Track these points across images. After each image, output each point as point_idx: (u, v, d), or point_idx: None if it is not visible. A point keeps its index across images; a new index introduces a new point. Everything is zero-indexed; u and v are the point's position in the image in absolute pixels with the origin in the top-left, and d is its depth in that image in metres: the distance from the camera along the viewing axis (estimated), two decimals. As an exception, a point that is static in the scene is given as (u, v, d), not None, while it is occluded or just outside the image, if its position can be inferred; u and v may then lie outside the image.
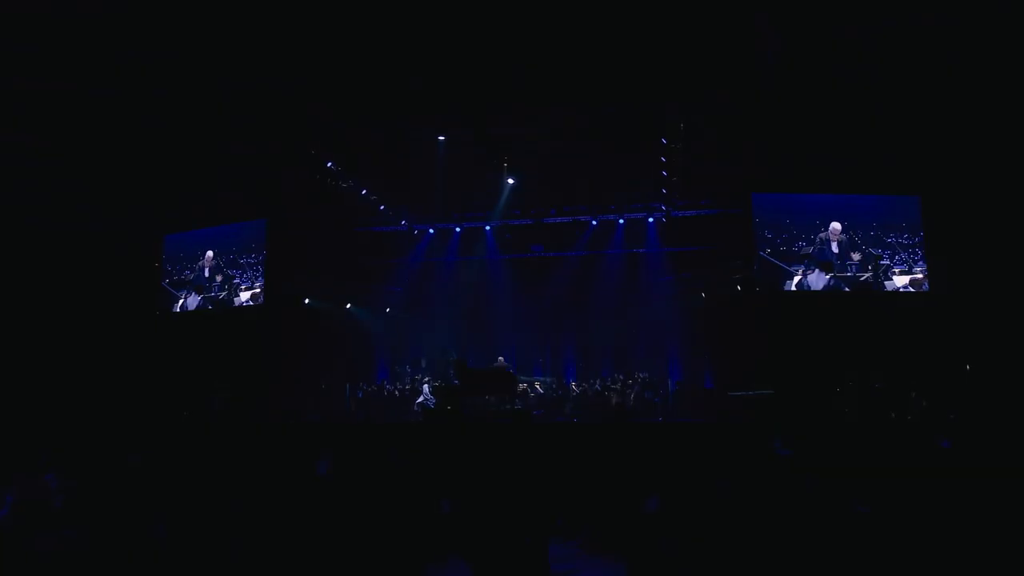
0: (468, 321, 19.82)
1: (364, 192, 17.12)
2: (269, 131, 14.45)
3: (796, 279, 15.00)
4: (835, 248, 15.07)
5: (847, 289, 14.83)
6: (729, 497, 3.05)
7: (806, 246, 15.16)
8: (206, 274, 18.73)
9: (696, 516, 2.77)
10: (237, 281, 18.18)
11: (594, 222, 18.65)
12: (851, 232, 15.07)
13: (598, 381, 17.72)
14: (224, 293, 18.33)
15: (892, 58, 11.43)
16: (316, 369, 18.39)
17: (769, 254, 15.20)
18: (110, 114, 13.48)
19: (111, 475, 4.08)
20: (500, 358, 17.54)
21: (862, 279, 14.77)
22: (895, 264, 14.80)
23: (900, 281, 14.78)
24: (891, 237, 14.96)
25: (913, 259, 14.89)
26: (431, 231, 19.76)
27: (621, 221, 18.61)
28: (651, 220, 18.50)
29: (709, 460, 4.36)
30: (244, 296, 18.04)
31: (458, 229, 19.60)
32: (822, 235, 15.20)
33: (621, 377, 17.66)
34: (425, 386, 17.55)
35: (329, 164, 15.37)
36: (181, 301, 18.93)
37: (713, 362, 17.69)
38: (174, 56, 11.66)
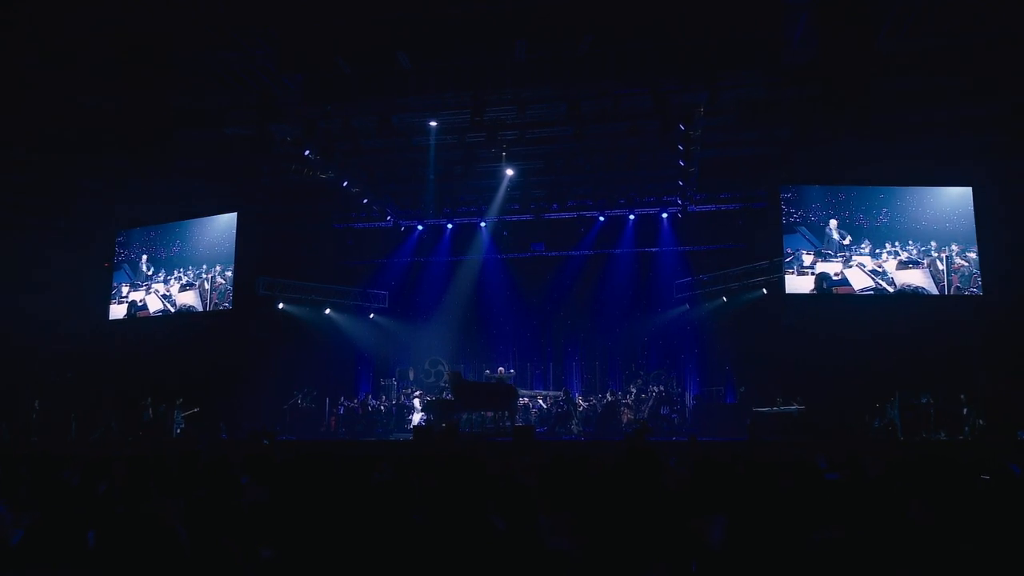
0: (461, 328, 19.68)
1: (345, 184, 16.89)
2: (235, 112, 14.24)
3: (835, 277, 14.90)
4: (835, 237, 15.06)
5: (890, 290, 14.68)
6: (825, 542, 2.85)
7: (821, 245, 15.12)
8: (163, 274, 18.55)
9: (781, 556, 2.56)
10: (198, 282, 17.98)
11: (601, 218, 18.54)
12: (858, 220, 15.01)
13: (608, 394, 17.51)
14: (186, 295, 18.14)
15: (940, 32, 11.24)
16: (290, 382, 18.20)
17: (799, 253, 15.08)
18: (48, 90, 13.24)
19: (62, 500, 3.83)
20: (500, 369, 17.33)
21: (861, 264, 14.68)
22: (909, 255, 14.70)
23: (909, 277, 14.69)
24: (915, 241, 14.88)
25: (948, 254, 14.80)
26: (420, 228, 19.60)
27: (632, 217, 18.49)
28: (665, 215, 18.37)
29: (767, 487, 4.15)
30: (203, 298, 17.84)
31: (450, 225, 19.45)
32: (827, 230, 15.18)
33: (634, 390, 17.47)
34: (415, 400, 17.30)
35: (306, 152, 15.12)
36: (129, 302, 18.75)
37: (735, 374, 17.50)
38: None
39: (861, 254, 15.09)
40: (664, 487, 4.19)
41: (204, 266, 18.04)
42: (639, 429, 12.26)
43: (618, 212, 18.47)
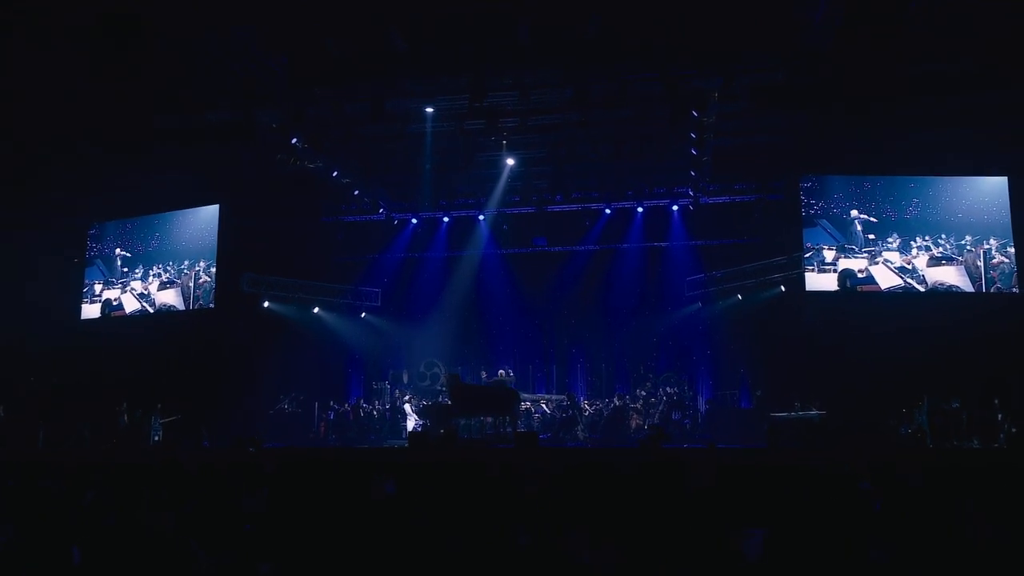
0: (458, 328, 19.61)
1: (335, 174, 16.83)
2: (216, 97, 14.16)
3: (860, 275, 14.84)
4: (860, 230, 14.98)
5: (921, 289, 14.63)
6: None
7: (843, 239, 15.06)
8: (140, 271, 18.47)
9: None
10: (180, 279, 17.91)
11: (608, 210, 18.49)
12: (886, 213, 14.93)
13: (615, 398, 17.47)
14: (166, 293, 18.06)
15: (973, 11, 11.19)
16: (276, 385, 18.14)
17: (820, 248, 15.02)
18: (15, 73, 13.14)
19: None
20: (501, 371, 17.27)
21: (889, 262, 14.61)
22: (942, 250, 14.61)
23: (942, 274, 14.61)
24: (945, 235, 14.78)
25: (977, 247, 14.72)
26: (414, 221, 19.55)
27: (640, 209, 18.45)
28: (676, 208, 18.33)
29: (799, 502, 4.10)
30: (186, 297, 17.77)
31: (447, 219, 19.40)
32: (850, 224, 15.11)
33: (643, 394, 17.43)
34: (407, 405, 17.26)
35: (294, 140, 15.04)
36: (103, 301, 18.67)
37: (751, 377, 17.47)
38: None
39: (888, 249, 14.98)
40: (690, 498, 4.13)
41: (187, 262, 17.97)
42: (654, 435, 12.21)
43: (626, 204, 18.43)
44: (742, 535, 3.28)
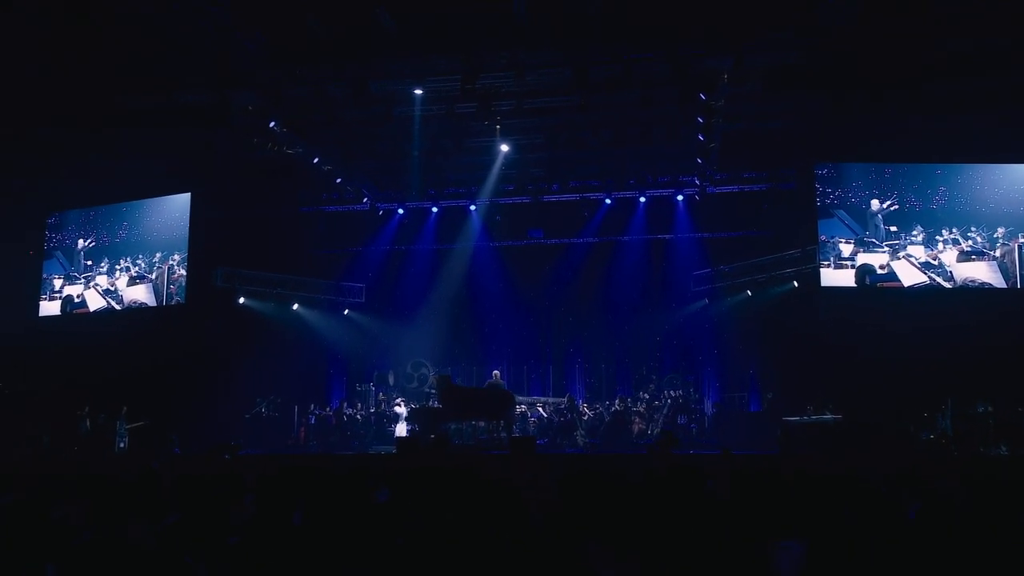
0: (448, 326, 19.57)
1: (316, 161, 16.73)
2: (187, 76, 14.02)
3: (881, 271, 14.81)
4: (880, 223, 14.95)
5: (948, 286, 14.61)
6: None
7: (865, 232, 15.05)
8: (106, 264, 18.33)
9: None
10: (153, 273, 17.80)
11: (608, 200, 18.49)
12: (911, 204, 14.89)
13: (616, 401, 17.48)
14: (136, 289, 17.95)
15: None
16: (252, 388, 18.04)
17: (836, 241, 15.01)
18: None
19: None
20: (495, 372, 17.23)
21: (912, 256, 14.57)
22: (972, 244, 14.55)
23: (972, 270, 14.55)
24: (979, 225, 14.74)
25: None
26: (401, 211, 19.49)
27: (643, 199, 18.43)
28: (681, 198, 18.31)
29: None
30: (158, 293, 17.67)
31: (436, 209, 19.35)
32: (869, 213, 15.07)
33: (646, 396, 17.43)
34: (397, 408, 17.19)
35: (272, 124, 14.93)
36: (64, 298, 18.52)
37: (760, 378, 17.49)
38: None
39: (912, 243, 14.92)
40: (713, 508, 4.10)
41: (159, 254, 17.84)
42: (664, 440, 12.21)
43: (627, 194, 18.41)
44: (778, 547, 3.25)
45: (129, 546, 2.38)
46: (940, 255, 14.85)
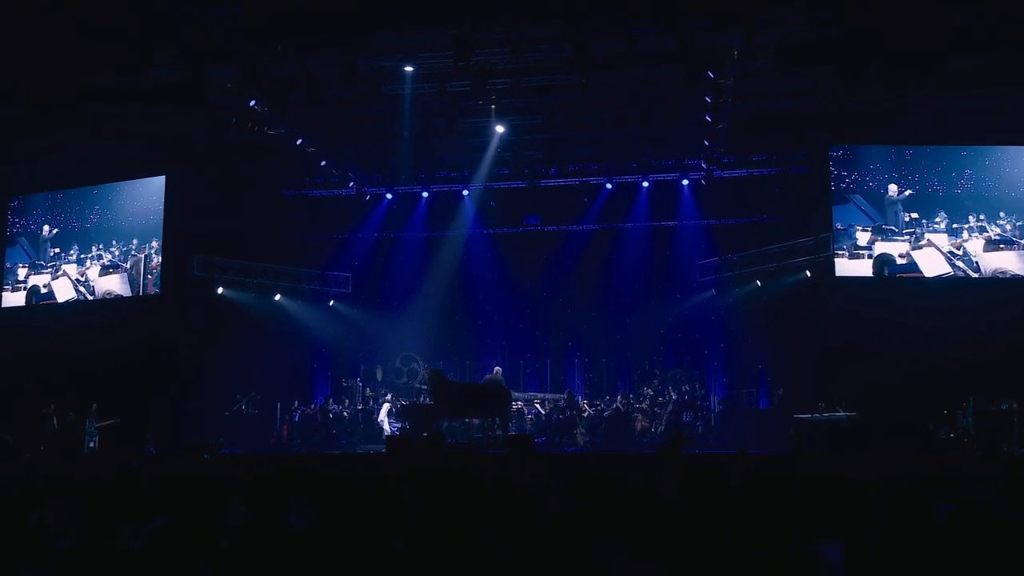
0: (439, 318, 19.56)
1: (299, 142, 16.65)
2: (161, 52, 13.91)
3: (901, 262, 14.73)
4: (900, 209, 14.91)
5: (975, 275, 14.54)
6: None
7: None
8: (76, 252, 18.21)
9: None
10: (129, 262, 17.72)
11: (609, 185, 18.49)
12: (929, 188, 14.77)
13: (618, 398, 17.48)
14: (109, 279, 17.86)
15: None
16: (232, 384, 17.98)
17: (852, 229, 14.97)
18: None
19: None
20: (497, 368, 17.15)
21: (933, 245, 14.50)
22: (1001, 231, 14.46)
23: (1002, 260, 14.50)
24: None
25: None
26: (389, 196, 19.45)
27: (646, 184, 18.42)
28: (686, 182, 18.33)
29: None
30: (134, 283, 17.59)
31: (426, 194, 19.31)
32: (887, 199, 15.03)
33: (649, 393, 17.45)
34: (387, 405, 17.21)
35: (252, 102, 14.84)
36: (29, 288, 18.40)
37: (769, 374, 17.54)
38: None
39: (935, 231, 14.84)
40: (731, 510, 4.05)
41: (135, 241, 17.73)
42: (674, 439, 12.21)
43: (630, 178, 18.41)
44: (818, 551, 3.22)
45: (114, 553, 2.32)
46: (965, 244, 14.75)
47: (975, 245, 14.80)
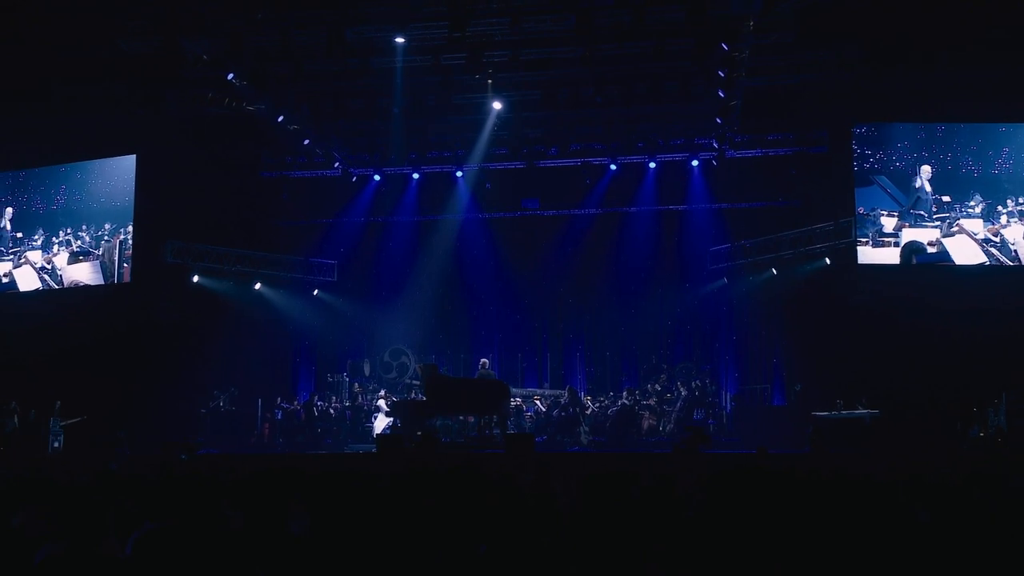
0: (431, 309, 19.59)
1: (280, 119, 16.56)
2: (133, 22, 13.84)
3: (931, 250, 14.63)
4: (929, 192, 14.82)
5: (1011, 263, 14.47)
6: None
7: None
8: (40, 236, 18.11)
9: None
10: (100, 249, 17.66)
11: (613, 166, 18.46)
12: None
13: (624, 394, 17.50)
14: (79, 268, 17.79)
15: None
16: (209, 379, 18.03)
17: (877, 214, 14.93)
18: None
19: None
20: (484, 361, 17.21)
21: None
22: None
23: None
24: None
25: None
26: (377, 178, 19.38)
27: (653, 164, 18.39)
28: (696, 163, 18.30)
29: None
30: (107, 271, 17.53)
31: (417, 175, 19.25)
32: (915, 182, 14.97)
33: (656, 388, 17.47)
34: (381, 401, 17.22)
35: (230, 76, 14.76)
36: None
37: (785, 368, 17.57)
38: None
39: (969, 215, 14.75)
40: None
41: (108, 225, 17.64)
42: (692, 437, 12.23)
43: (635, 159, 18.39)
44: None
45: (104, 560, 2.28)
46: (1003, 230, 14.63)
47: (1014, 231, 14.71)
